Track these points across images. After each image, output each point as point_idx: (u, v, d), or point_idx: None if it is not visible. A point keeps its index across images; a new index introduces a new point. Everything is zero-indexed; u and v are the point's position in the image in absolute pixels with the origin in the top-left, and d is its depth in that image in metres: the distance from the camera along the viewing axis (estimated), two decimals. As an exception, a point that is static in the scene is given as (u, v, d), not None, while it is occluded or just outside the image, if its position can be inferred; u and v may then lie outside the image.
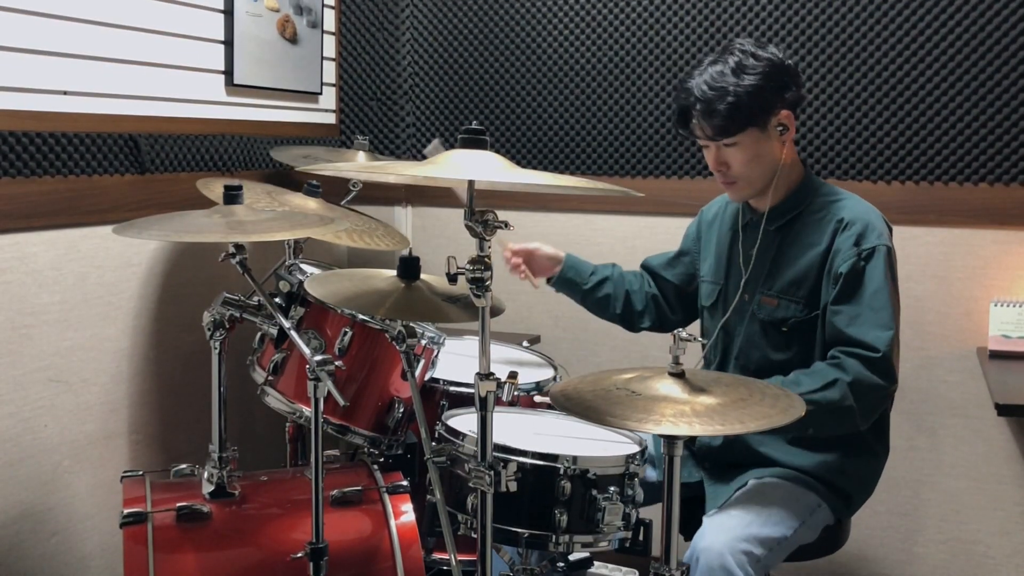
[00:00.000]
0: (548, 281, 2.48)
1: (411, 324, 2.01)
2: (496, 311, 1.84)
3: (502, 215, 1.62)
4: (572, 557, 2.28)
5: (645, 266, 2.50)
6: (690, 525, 2.02)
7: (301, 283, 2.13)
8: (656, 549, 1.71)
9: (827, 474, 2.08)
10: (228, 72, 2.80)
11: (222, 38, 2.78)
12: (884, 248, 2.03)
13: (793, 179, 2.16)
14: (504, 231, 1.61)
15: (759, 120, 2.05)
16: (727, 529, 1.91)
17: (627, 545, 1.86)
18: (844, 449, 2.09)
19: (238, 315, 2.03)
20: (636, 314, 2.43)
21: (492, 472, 1.63)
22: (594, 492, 1.79)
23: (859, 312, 2.00)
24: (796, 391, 1.92)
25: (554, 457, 1.79)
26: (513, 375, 1.73)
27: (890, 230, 2.10)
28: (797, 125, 2.84)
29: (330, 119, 3.31)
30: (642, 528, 1.86)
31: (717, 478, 2.15)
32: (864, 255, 2.02)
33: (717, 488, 2.12)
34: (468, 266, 1.58)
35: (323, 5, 3.15)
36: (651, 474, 2.15)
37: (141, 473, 2.09)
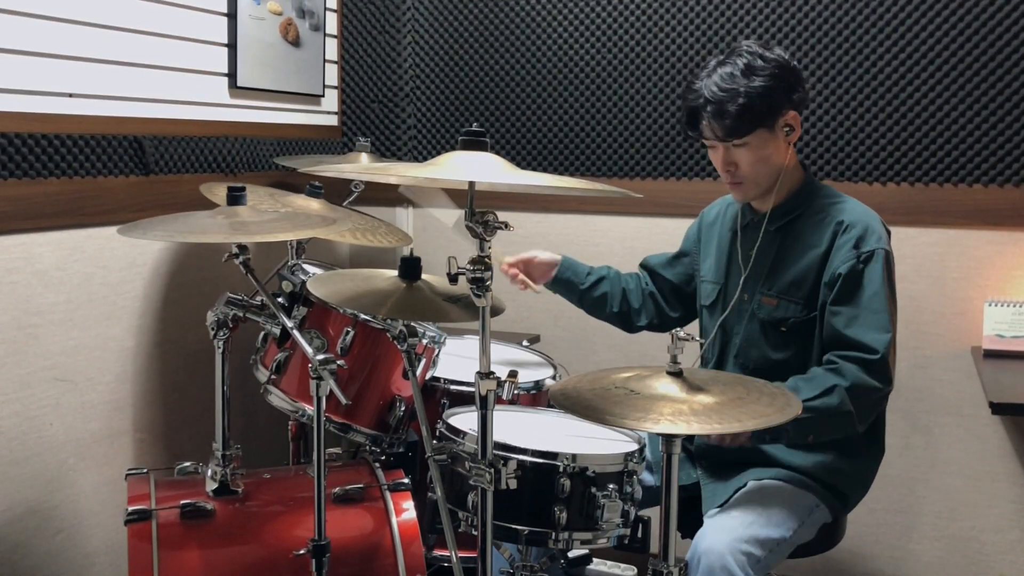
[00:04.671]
0: (546, 284, 2.48)
1: (412, 324, 2.03)
2: (496, 311, 1.85)
3: (502, 216, 1.64)
4: (571, 554, 2.31)
5: (644, 265, 2.51)
6: (687, 524, 2.03)
7: (304, 283, 2.15)
8: (654, 546, 1.73)
9: (824, 474, 2.10)
10: (231, 75, 2.82)
11: (225, 41, 2.80)
12: (883, 252, 2.06)
13: (794, 181, 2.18)
14: (496, 246, 1.61)
15: (768, 121, 2.07)
16: (728, 530, 1.92)
17: (626, 542, 1.87)
18: (840, 450, 2.11)
19: (241, 315, 2.04)
20: (633, 312, 2.44)
21: (492, 470, 1.64)
22: (593, 489, 1.81)
23: (857, 314, 2.02)
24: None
25: (553, 455, 1.80)
26: (513, 374, 1.74)
27: (889, 234, 2.12)
28: (795, 127, 2.89)
29: (332, 121, 3.33)
30: (640, 525, 1.87)
31: (714, 477, 2.17)
32: (863, 258, 2.04)
33: (715, 487, 2.13)
34: (468, 266, 1.60)
35: (325, 8, 3.17)
36: (647, 479, 2.15)
37: (145, 471, 2.11)
